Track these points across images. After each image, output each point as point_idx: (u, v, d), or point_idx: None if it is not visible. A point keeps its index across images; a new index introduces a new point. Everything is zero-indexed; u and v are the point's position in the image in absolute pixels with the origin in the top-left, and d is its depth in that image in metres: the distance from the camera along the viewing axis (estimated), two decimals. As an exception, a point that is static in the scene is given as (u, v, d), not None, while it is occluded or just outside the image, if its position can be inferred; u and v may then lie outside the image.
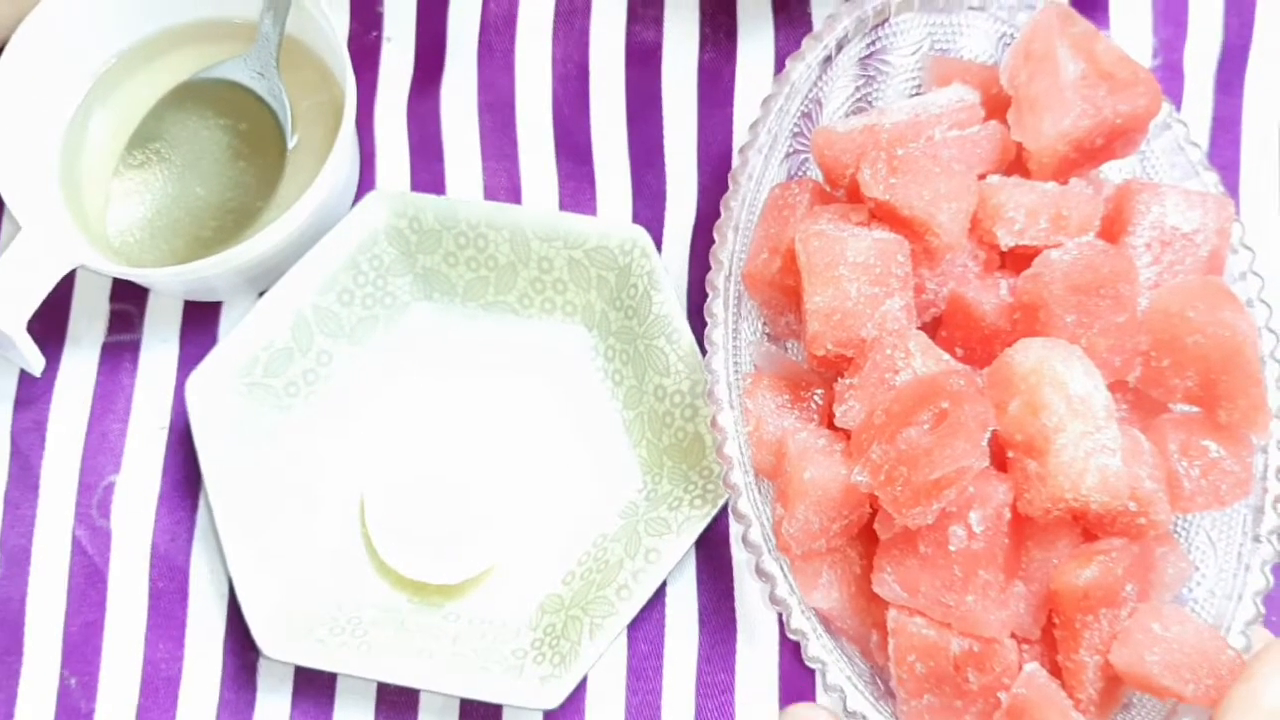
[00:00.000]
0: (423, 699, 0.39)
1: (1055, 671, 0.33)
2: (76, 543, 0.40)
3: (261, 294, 0.41)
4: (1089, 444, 0.31)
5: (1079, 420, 0.31)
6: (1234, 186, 0.43)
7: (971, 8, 0.38)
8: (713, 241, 0.36)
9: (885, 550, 0.33)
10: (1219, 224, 0.35)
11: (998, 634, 0.32)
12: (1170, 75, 0.44)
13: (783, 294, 0.36)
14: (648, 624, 0.39)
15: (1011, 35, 0.39)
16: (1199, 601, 0.35)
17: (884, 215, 0.34)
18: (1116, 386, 0.34)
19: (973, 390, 0.31)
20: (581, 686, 0.38)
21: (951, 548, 0.31)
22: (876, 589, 0.33)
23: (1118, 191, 0.36)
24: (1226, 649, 0.32)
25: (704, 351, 0.36)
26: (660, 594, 0.39)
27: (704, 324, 0.36)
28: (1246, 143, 0.43)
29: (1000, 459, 0.33)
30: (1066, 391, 0.31)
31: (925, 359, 0.33)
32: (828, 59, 0.37)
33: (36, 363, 0.39)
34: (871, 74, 0.39)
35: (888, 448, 0.31)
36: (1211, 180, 0.38)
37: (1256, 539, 0.35)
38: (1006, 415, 0.32)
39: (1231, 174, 0.43)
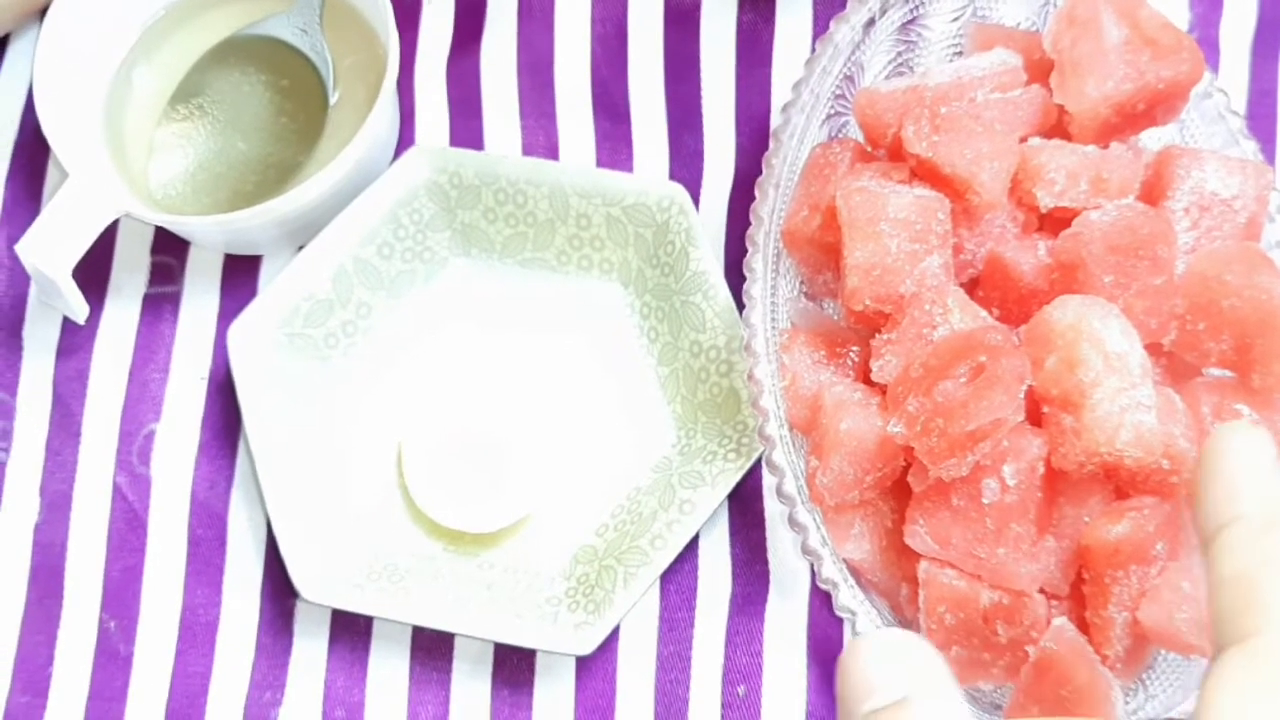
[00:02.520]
0: (457, 645, 0.39)
1: (1083, 628, 0.33)
2: (117, 489, 0.41)
3: (300, 249, 0.42)
4: (1124, 400, 0.31)
5: (1115, 376, 0.31)
6: (1271, 158, 0.43)
7: (1014, -27, 0.39)
8: (749, 202, 0.37)
9: (918, 502, 0.33)
10: (1258, 191, 0.36)
11: (1028, 587, 0.32)
12: (1206, 49, 0.43)
13: (822, 251, 0.36)
14: (680, 574, 0.39)
15: (1054, 2, 0.39)
16: (1227, 564, 0.36)
17: (925, 173, 0.34)
18: (1151, 350, 0.34)
19: (1010, 345, 0.31)
20: (614, 635, 0.39)
21: (985, 500, 0.32)
22: (908, 541, 0.33)
23: (1158, 156, 0.37)
24: (1254, 610, 0.32)
25: (741, 307, 0.36)
26: (693, 545, 0.39)
27: (740, 284, 0.36)
28: (1284, 115, 0.43)
29: (1035, 416, 0.33)
30: (1104, 348, 0.31)
31: (963, 315, 0.33)
32: (871, 22, 0.38)
33: (80, 309, 0.39)
34: (912, 40, 0.39)
35: (924, 400, 0.31)
36: (1251, 148, 0.38)
37: (1286, 503, 0.35)
38: (1043, 370, 0.32)
39: (1268, 146, 0.43)
